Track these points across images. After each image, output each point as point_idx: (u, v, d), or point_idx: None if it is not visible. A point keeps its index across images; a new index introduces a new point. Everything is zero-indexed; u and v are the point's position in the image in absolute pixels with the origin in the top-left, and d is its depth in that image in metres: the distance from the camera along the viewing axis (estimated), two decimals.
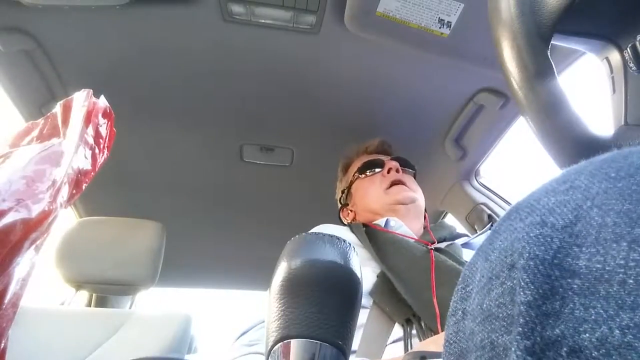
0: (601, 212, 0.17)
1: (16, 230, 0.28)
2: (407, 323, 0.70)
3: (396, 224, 0.93)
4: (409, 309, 0.71)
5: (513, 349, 0.16)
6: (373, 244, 0.84)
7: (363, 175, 1.08)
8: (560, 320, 0.16)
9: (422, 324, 0.69)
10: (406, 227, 0.93)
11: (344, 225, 1.05)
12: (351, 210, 1.10)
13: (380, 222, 0.94)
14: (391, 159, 1.07)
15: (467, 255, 0.85)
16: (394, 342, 0.69)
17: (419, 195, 1.03)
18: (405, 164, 1.08)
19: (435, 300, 0.69)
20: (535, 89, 0.37)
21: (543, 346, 0.16)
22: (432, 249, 0.81)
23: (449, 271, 0.74)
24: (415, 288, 0.72)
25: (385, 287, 0.75)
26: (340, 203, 1.15)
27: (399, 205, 0.98)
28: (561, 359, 0.15)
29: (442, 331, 0.65)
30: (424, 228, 0.99)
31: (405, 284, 0.73)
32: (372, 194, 1.03)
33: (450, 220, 1.56)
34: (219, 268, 2.10)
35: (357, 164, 1.12)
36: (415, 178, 1.10)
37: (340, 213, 1.14)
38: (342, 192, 1.14)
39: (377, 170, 1.06)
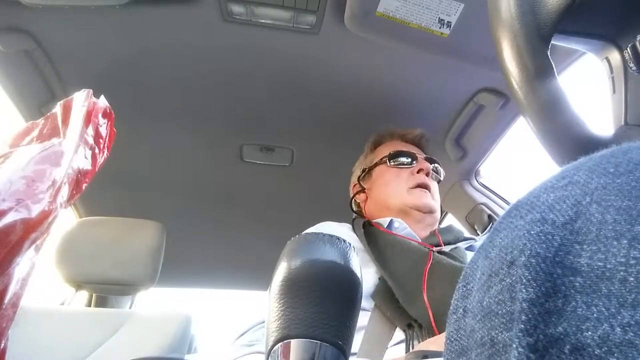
0: (601, 208, 0.17)
1: (16, 230, 0.28)
2: (408, 328, 0.69)
3: (400, 226, 0.89)
4: (410, 315, 0.70)
5: (514, 345, 0.16)
6: (373, 246, 0.82)
7: (392, 163, 1.01)
8: (563, 318, 0.16)
9: (423, 330, 0.68)
10: (410, 230, 0.89)
11: (349, 217, 1.02)
12: (364, 193, 1.05)
13: (384, 221, 0.90)
14: (425, 159, 1.02)
15: (470, 258, 0.83)
16: (395, 344, 0.69)
17: (438, 207, 0.98)
18: (435, 169, 1.03)
19: (426, 299, 0.68)
20: (535, 89, 0.37)
21: (546, 344, 0.16)
22: (432, 250, 0.79)
23: (445, 270, 0.73)
24: (411, 295, 0.71)
25: (386, 291, 0.74)
26: (358, 181, 1.09)
27: (415, 211, 0.93)
28: (564, 357, 0.15)
29: (438, 332, 0.65)
30: (431, 232, 0.95)
31: (402, 291, 0.72)
32: (393, 188, 0.97)
33: (450, 220, 1.56)
34: (219, 268, 2.11)
35: (389, 148, 1.05)
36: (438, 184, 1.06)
37: (352, 190, 1.10)
38: (363, 170, 1.07)
39: (407, 163, 1.00)
